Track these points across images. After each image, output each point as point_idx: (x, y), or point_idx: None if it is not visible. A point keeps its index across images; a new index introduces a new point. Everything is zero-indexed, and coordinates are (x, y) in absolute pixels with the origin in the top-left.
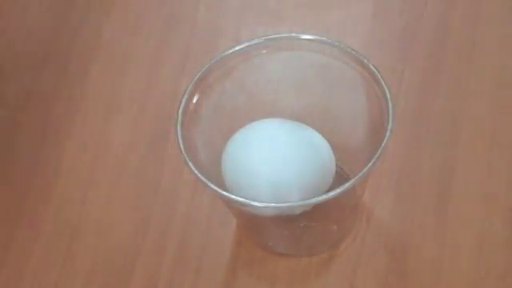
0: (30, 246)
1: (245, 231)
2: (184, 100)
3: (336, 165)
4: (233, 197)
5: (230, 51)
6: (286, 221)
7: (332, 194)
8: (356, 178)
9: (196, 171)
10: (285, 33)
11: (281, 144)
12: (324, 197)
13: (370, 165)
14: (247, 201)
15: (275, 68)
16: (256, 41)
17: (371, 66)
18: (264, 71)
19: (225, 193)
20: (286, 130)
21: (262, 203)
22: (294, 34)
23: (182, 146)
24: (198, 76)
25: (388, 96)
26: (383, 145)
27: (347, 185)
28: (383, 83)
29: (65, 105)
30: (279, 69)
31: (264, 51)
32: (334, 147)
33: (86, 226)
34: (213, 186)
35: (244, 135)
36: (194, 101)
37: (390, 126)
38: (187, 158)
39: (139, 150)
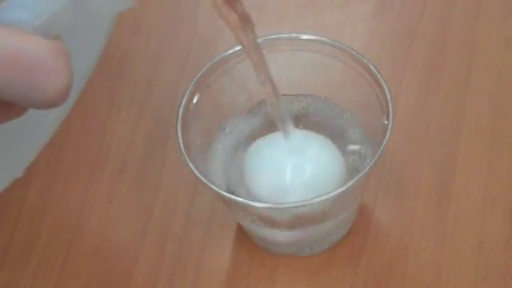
0: (29, 246)
1: (245, 231)
2: (184, 100)
3: None
4: (233, 197)
5: (230, 51)
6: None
7: (331, 194)
8: (356, 178)
9: (196, 171)
10: (285, 33)
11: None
12: (324, 197)
13: (370, 165)
14: (247, 201)
15: (275, 68)
16: None
17: (371, 66)
18: None
19: (225, 193)
20: (293, 143)
21: (262, 203)
22: (293, 34)
23: (182, 146)
24: (198, 76)
25: (388, 96)
26: (383, 145)
27: (347, 185)
28: (383, 83)
29: None
30: (279, 69)
31: (264, 51)
32: None
33: (85, 226)
34: (213, 186)
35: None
36: (194, 101)
37: (390, 126)
38: (187, 158)
39: (139, 150)
